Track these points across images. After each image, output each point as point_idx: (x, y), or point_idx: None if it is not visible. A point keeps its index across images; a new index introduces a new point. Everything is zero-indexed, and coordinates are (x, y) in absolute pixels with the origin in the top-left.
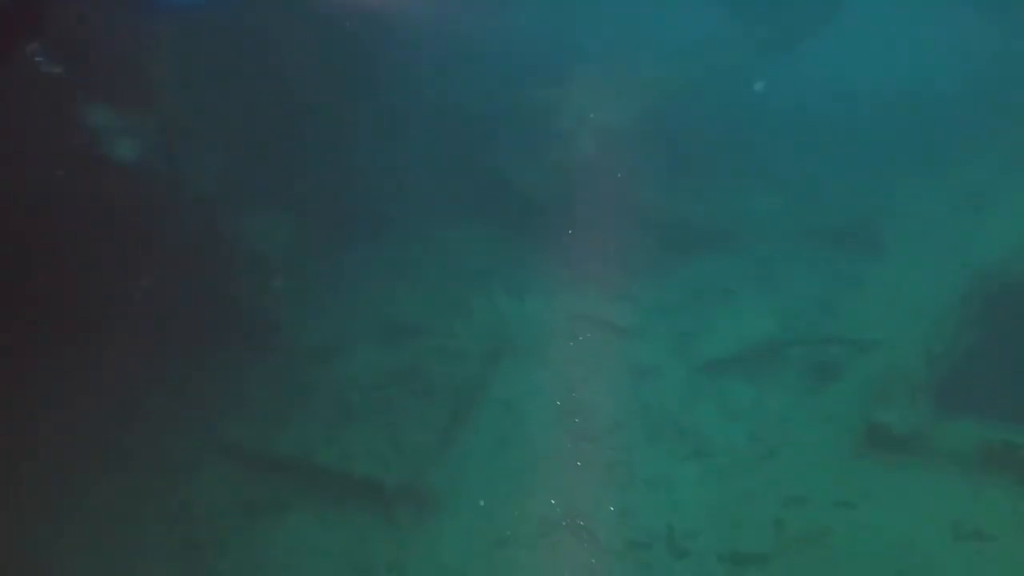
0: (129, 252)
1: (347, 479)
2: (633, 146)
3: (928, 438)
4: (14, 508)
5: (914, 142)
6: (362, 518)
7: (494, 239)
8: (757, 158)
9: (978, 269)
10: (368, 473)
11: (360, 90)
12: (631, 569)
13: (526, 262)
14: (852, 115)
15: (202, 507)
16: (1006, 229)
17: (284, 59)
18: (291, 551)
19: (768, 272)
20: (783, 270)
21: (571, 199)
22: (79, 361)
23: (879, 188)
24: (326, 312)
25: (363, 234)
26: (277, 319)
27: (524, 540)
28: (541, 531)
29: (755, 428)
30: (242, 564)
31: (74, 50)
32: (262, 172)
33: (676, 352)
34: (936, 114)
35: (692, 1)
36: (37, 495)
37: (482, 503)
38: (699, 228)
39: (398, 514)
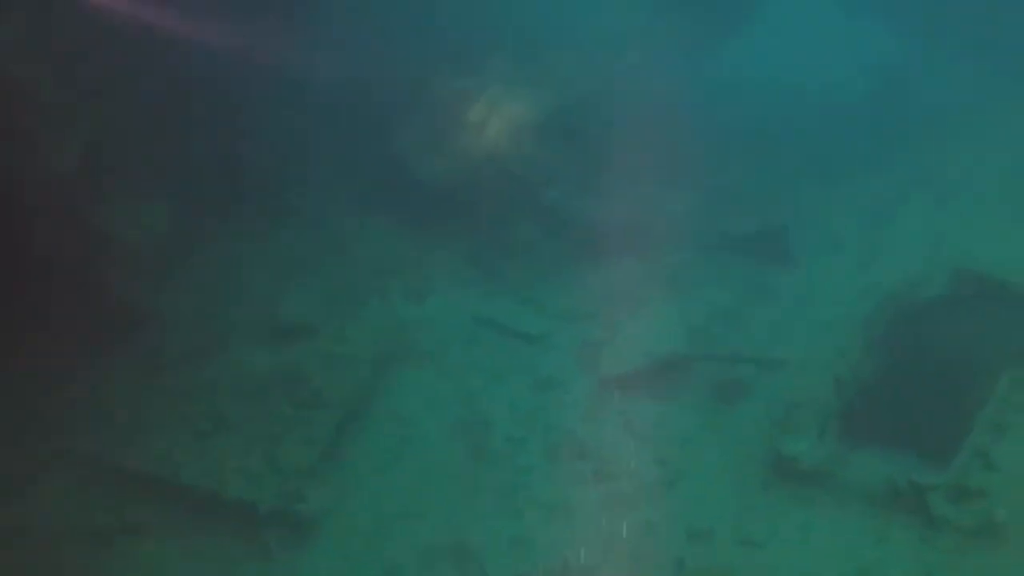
0: None
1: (215, 501)
2: (545, 140)
3: (834, 472)
4: None
5: (823, 150)
6: (230, 546)
7: (395, 233)
8: (671, 158)
9: (880, 290)
10: (239, 494)
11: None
12: None
13: (427, 260)
14: (765, 119)
15: (41, 530)
16: (906, 250)
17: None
18: None
19: (679, 280)
20: (694, 278)
21: (479, 193)
22: None
23: (791, 196)
24: (205, 308)
25: (253, 223)
26: (146, 314)
27: (406, 572)
28: (424, 561)
29: (660, 451)
30: None
31: None
32: (137, 152)
33: (581, 363)
34: (844, 124)
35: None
36: None
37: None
38: (611, 230)
39: (270, 542)
